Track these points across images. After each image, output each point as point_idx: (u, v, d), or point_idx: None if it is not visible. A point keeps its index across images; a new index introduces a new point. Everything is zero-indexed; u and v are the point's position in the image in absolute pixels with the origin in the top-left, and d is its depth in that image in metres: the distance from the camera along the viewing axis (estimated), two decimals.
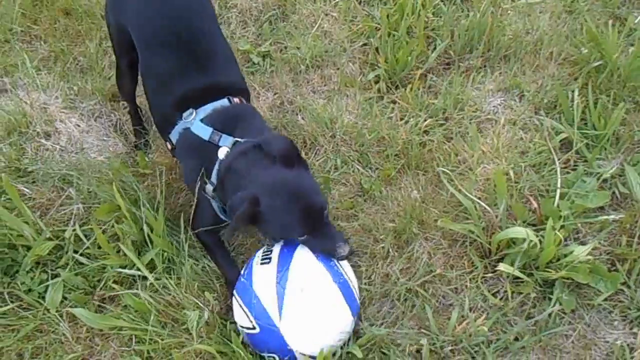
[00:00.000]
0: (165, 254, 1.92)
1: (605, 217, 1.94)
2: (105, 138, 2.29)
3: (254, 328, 1.66)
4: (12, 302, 1.89)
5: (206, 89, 1.87)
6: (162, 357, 1.77)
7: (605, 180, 2.10)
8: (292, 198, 1.66)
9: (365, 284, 1.92)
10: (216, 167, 1.77)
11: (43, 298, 1.90)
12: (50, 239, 1.97)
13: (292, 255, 1.73)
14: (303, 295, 1.65)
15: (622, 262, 1.91)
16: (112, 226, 1.97)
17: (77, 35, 2.60)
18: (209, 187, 1.79)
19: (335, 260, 1.75)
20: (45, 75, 2.45)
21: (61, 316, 1.85)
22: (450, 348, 1.77)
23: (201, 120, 1.83)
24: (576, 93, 2.23)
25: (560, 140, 2.20)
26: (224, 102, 1.88)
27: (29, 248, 1.95)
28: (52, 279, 1.92)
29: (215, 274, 1.93)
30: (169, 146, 1.96)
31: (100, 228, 1.93)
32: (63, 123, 2.28)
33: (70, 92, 2.40)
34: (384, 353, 1.76)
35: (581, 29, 2.54)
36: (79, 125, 2.29)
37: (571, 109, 2.22)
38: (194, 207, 1.87)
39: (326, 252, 1.73)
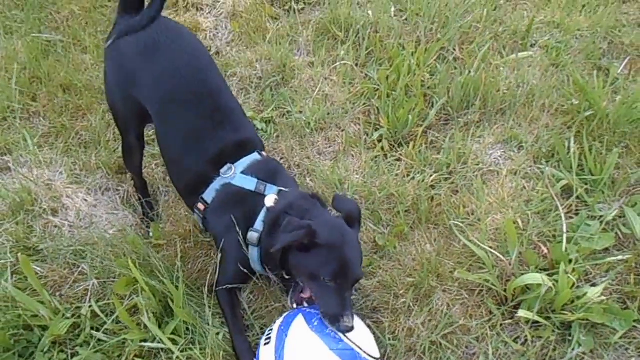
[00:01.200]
0: (187, 325, 2.11)
1: (613, 258, 2.24)
2: (114, 211, 2.51)
3: None
4: None
5: (238, 144, 2.16)
6: None
7: (607, 223, 2.42)
8: (345, 245, 1.91)
9: (389, 339, 2.13)
10: (262, 214, 2.04)
11: None
12: (67, 318, 2.15)
13: (287, 333, 1.89)
14: None
15: (632, 299, 2.19)
16: (131, 299, 2.16)
17: (78, 110, 2.86)
18: (254, 235, 2.03)
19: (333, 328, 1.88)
20: (47, 152, 2.69)
21: None
22: None
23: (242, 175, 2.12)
24: (572, 141, 2.58)
25: (562, 187, 2.53)
26: (256, 155, 2.19)
27: (44, 328, 2.11)
28: (70, 358, 2.09)
29: None
30: (201, 207, 2.17)
31: (120, 302, 2.12)
32: (70, 198, 2.51)
33: (74, 167, 2.64)
34: None
35: (568, 80, 2.95)
36: (86, 200, 2.51)
37: (568, 156, 2.57)
38: (219, 263, 2.11)
39: (330, 317, 1.88)
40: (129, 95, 2.22)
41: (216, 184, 2.14)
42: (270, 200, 2.04)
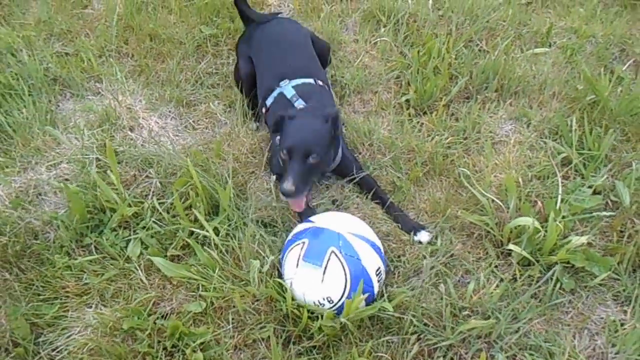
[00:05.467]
0: (229, 221, 2.29)
1: (599, 213, 2.31)
2: (179, 134, 2.72)
3: None
4: (97, 253, 2.25)
5: (299, 68, 2.58)
6: (222, 304, 2.09)
7: (599, 192, 2.48)
8: (301, 129, 2.26)
9: (396, 261, 2.24)
10: None
11: (124, 253, 2.25)
12: (131, 206, 2.36)
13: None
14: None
15: (614, 255, 2.25)
16: (186, 200, 2.35)
17: (159, 55, 3.09)
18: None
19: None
20: (131, 84, 2.92)
21: (139, 266, 2.19)
22: (467, 312, 2.09)
23: (291, 87, 2.52)
24: (574, 121, 2.66)
25: (562, 159, 2.60)
26: (310, 80, 2.56)
27: (114, 211, 2.31)
28: (131, 236, 2.28)
29: (271, 241, 2.26)
30: (264, 110, 2.63)
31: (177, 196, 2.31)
32: (145, 120, 2.72)
33: (151, 98, 2.86)
34: (413, 315, 2.04)
35: (579, 76, 3.03)
36: (157, 123, 2.73)
37: (570, 134, 2.65)
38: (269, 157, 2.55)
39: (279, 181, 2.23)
40: (246, 52, 2.82)
41: (275, 92, 2.56)
42: (298, 105, 2.47)
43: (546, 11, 3.49)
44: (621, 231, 2.33)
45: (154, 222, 2.30)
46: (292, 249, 2.06)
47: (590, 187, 2.45)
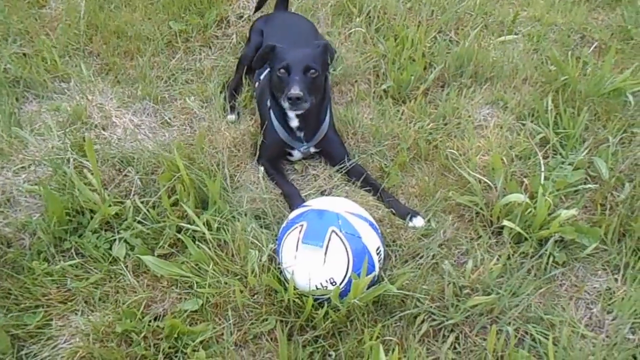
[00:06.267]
0: (220, 215, 2.18)
1: (583, 186, 2.37)
2: (156, 131, 2.60)
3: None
4: (79, 257, 2.10)
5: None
6: (219, 300, 1.99)
7: (578, 169, 2.55)
8: (296, 51, 2.34)
9: (392, 246, 2.22)
10: None
11: (108, 255, 2.11)
12: (114, 205, 2.21)
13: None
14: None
15: (599, 227, 2.31)
16: (171, 195, 2.23)
17: (127, 53, 2.97)
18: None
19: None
20: (100, 82, 2.78)
21: (126, 267, 2.06)
22: (467, 291, 2.08)
23: None
24: (550, 101, 2.73)
25: (540, 139, 2.67)
26: None
27: (94, 212, 2.17)
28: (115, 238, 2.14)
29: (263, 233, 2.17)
30: (257, 85, 2.73)
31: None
32: (118, 118, 2.58)
33: (123, 95, 2.73)
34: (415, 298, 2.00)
35: (546, 61, 3.13)
36: (132, 120, 2.60)
37: (546, 115, 2.71)
38: (260, 143, 2.45)
39: (285, 94, 2.21)
40: (261, 27, 2.96)
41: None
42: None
43: (509, 2, 3.60)
44: (602, 204, 2.40)
45: (137, 221, 2.18)
46: (289, 233, 1.99)
47: (570, 164, 2.51)
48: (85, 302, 1.97)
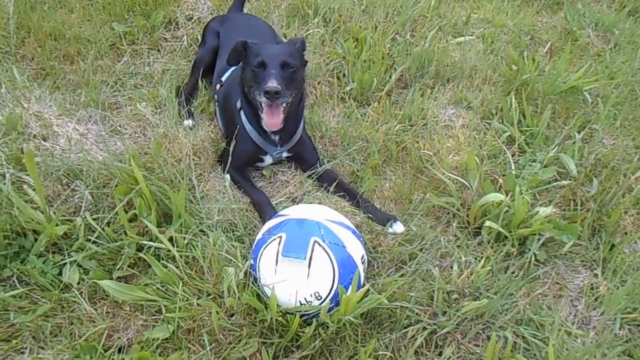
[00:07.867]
0: (185, 229, 1.96)
1: (558, 183, 2.36)
2: (105, 140, 2.32)
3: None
4: (23, 286, 1.80)
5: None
6: (191, 324, 1.76)
7: (546, 166, 2.55)
8: (273, 47, 2.25)
9: (372, 252, 2.09)
10: None
11: (58, 281, 1.83)
12: (61, 224, 1.93)
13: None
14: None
15: (574, 223, 2.30)
16: (129, 209, 1.98)
17: (66, 56, 2.67)
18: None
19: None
20: (36, 89, 2.46)
21: (80, 294, 1.79)
22: (455, 296, 1.98)
23: None
24: (513, 99, 2.72)
25: (506, 137, 2.65)
26: None
27: (38, 234, 1.88)
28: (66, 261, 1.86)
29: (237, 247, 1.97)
30: (218, 87, 2.56)
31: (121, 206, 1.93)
32: (60, 127, 2.28)
33: (64, 102, 2.42)
34: (403, 307, 1.88)
35: (502, 62, 3.14)
36: (77, 129, 2.30)
37: (510, 113, 2.70)
38: (223, 152, 2.29)
39: (263, 89, 2.06)
40: (216, 29, 2.84)
41: (232, 69, 2.52)
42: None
43: (460, 4, 3.61)
44: (573, 200, 2.40)
45: (91, 240, 1.91)
46: (267, 246, 1.80)
47: (540, 162, 2.50)
48: (34, 337, 1.69)
